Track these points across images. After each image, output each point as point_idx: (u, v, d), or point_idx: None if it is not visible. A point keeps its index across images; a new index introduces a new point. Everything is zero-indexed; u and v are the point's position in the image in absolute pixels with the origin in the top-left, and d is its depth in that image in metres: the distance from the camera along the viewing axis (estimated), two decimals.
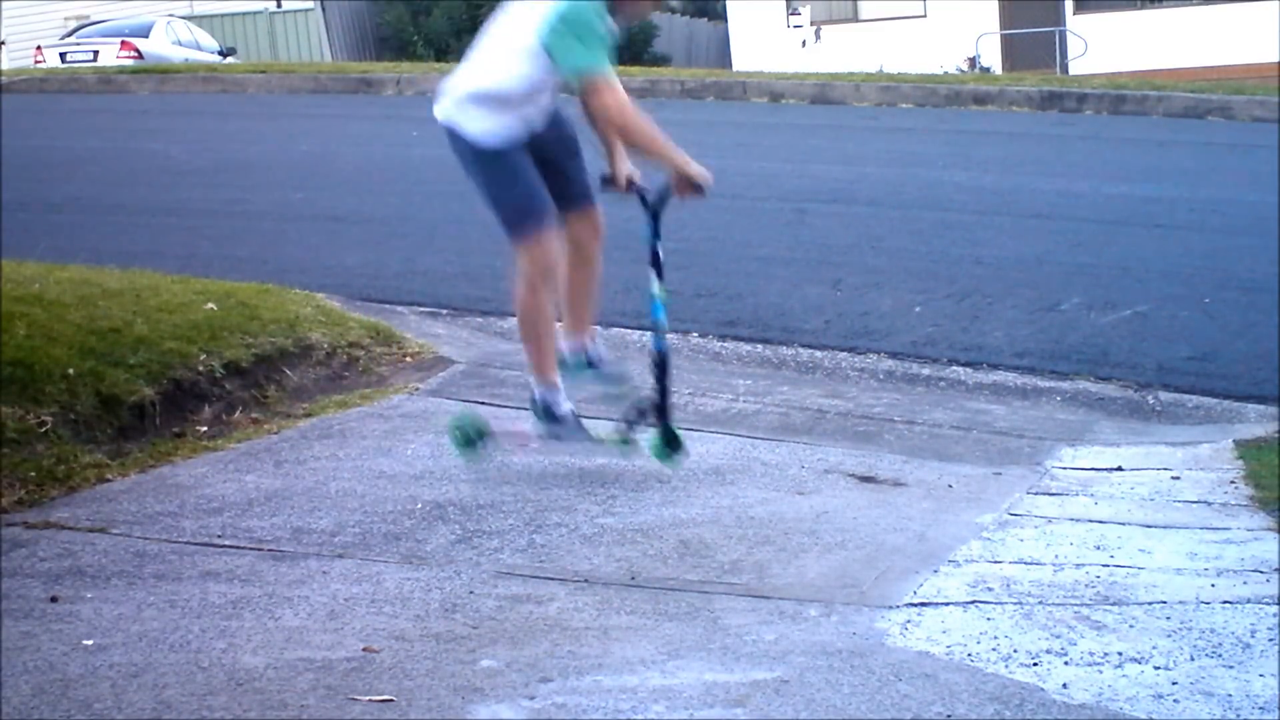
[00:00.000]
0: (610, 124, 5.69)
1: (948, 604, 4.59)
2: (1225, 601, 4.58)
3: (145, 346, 6.62)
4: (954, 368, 8.15)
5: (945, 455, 6.58)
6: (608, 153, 5.95)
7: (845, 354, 8.32)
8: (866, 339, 8.54)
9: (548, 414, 5.88)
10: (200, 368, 6.71)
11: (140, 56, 26.00)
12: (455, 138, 5.76)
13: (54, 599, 4.44)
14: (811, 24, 31.04)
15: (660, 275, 6.10)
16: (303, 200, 12.22)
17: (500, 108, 5.71)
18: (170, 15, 30.29)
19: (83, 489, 5.53)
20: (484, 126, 5.69)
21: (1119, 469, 6.41)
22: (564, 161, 5.86)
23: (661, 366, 5.98)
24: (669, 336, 8.37)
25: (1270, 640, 4.22)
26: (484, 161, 5.71)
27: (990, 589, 4.72)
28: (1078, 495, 5.97)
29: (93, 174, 13.48)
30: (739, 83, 20.03)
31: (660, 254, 6.12)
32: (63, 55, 26.96)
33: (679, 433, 5.95)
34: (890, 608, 4.56)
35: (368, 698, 3.80)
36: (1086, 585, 4.76)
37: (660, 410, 5.92)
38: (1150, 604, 4.58)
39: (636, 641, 4.23)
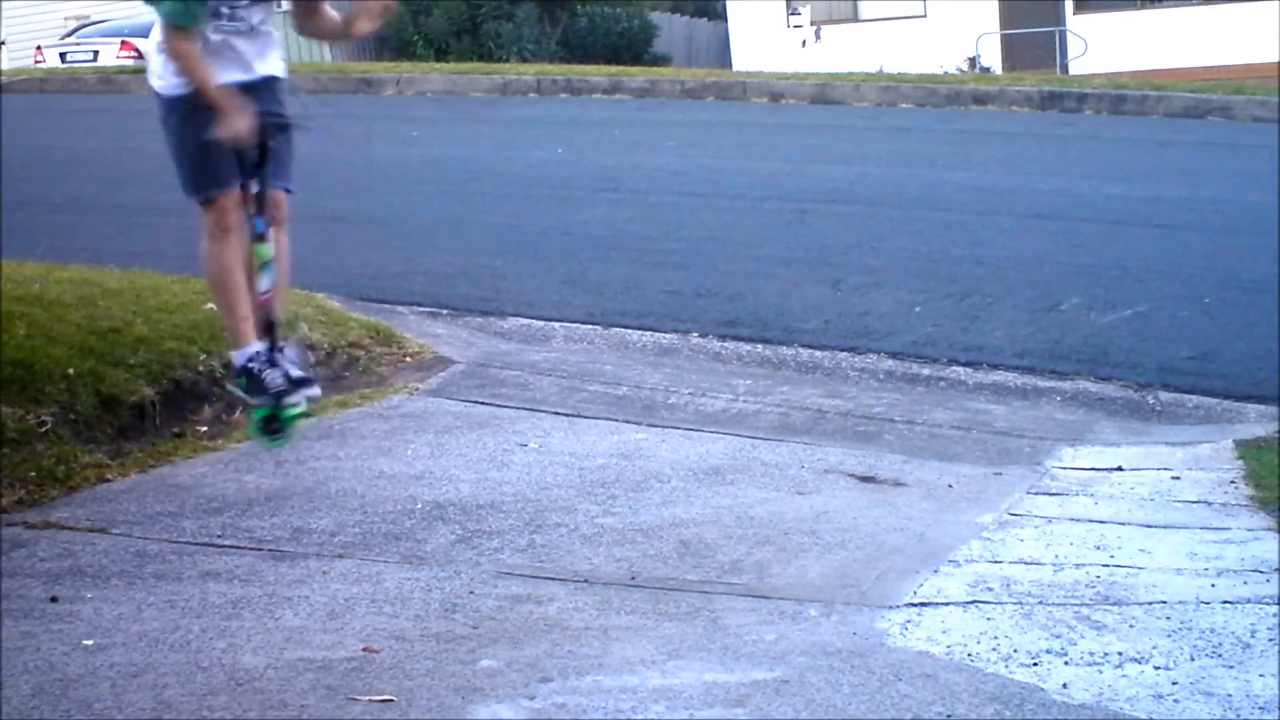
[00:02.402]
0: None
1: (948, 604, 4.59)
2: (1225, 601, 4.58)
3: (145, 346, 6.62)
4: (954, 368, 8.15)
5: (945, 455, 6.58)
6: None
7: (845, 354, 8.32)
8: (866, 339, 8.54)
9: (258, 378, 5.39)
10: (200, 368, 6.71)
11: (140, 56, 25.92)
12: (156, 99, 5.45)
13: (54, 599, 4.44)
14: (811, 24, 31.01)
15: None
16: (303, 200, 12.19)
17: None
18: None
19: (83, 489, 5.53)
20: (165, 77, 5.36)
21: (1119, 469, 6.41)
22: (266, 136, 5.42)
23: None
24: (671, 336, 8.43)
25: (1270, 640, 4.22)
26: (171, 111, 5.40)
27: (990, 589, 4.72)
28: (1078, 495, 5.97)
29: (93, 174, 13.47)
30: (739, 83, 20.03)
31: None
32: (63, 55, 26.94)
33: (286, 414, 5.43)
34: (890, 608, 4.56)
35: (368, 698, 3.80)
36: (1086, 585, 4.76)
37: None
38: (1150, 604, 4.59)
39: (636, 641, 4.23)
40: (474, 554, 4.97)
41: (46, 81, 21.50)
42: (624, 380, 7.57)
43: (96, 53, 26.61)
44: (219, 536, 5.07)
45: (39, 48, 27.96)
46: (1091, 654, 4.17)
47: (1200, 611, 4.49)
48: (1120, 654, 4.16)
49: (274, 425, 5.43)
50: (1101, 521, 5.52)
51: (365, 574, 4.74)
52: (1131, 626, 4.39)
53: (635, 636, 4.27)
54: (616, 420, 6.86)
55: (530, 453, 6.24)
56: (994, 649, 4.21)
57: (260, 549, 4.96)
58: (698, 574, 4.85)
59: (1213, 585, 4.74)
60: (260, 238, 5.41)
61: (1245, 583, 4.76)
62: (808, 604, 4.57)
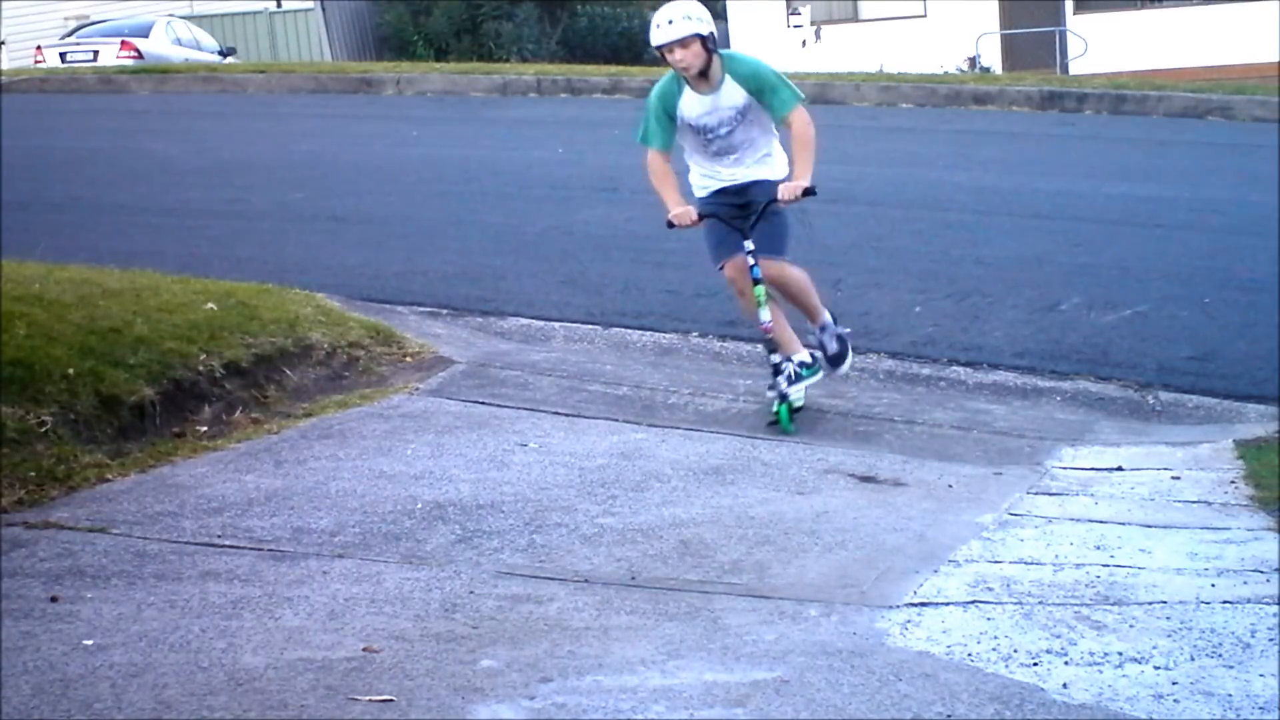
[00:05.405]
0: None
1: (948, 604, 4.59)
2: (1225, 601, 4.58)
3: (145, 346, 6.62)
4: (954, 368, 8.15)
5: (945, 455, 6.58)
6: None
7: None
8: (866, 339, 8.54)
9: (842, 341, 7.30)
10: (200, 368, 6.71)
11: (140, 56, 25.95)
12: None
13: (54, 599, 4.44)
14: (811, 24, 30.97)
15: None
16: (303, 200, 12.22)
17: None
18: (170, 15, 30.24)
19: (83, 489, 5.53)
20: None
21: (1119, 469, 6.41)
22: None
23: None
24: (671, 336, 8.50)
25: (1270, 640, 4.22)
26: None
27: (990, 589, 4.72)
28: (1078, 495, 5.97)
29: (93, 174, 13.48)
30: None
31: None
32: (63, 55, 26.92)
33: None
34: (890, 608, 4.56)
35: (368, 698, 3.80)
36: (1086, 585, 4.76)
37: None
38: (1150, 604, 4.59)
39: (636, 641, 4.23)
40: (474, 554, 4.97)
41: (46, 81, 21.48)
42: (624, 380, 7.57)
43: (96, 53, 26.59)
44: (219, 536, 5.07)
45: (39, 48, 27.94)
46: (1091, 654, 4.17)
47: (1200, 611, 4.49)
48: (1120, 654, 4.16)
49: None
50: (1101, 521, 5.52)
51: (365, 574, 4.74)
52: (1131, 626, 4.39)
53: (635, 636, 4.27)
54: (616, 420, 6.86)
55: (530, 453, 6.24)
56: (994, 649, 4.21)
57: (260, 549, 4.96)
58: (698, 574, 4.85)
59: (1213, 585, 4.74)
60: (757, 282, 6.88)
61: (1245, 583, 4.76)
62: (808, 604, 4.57)
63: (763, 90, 6.82)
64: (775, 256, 6.98)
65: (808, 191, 6.81)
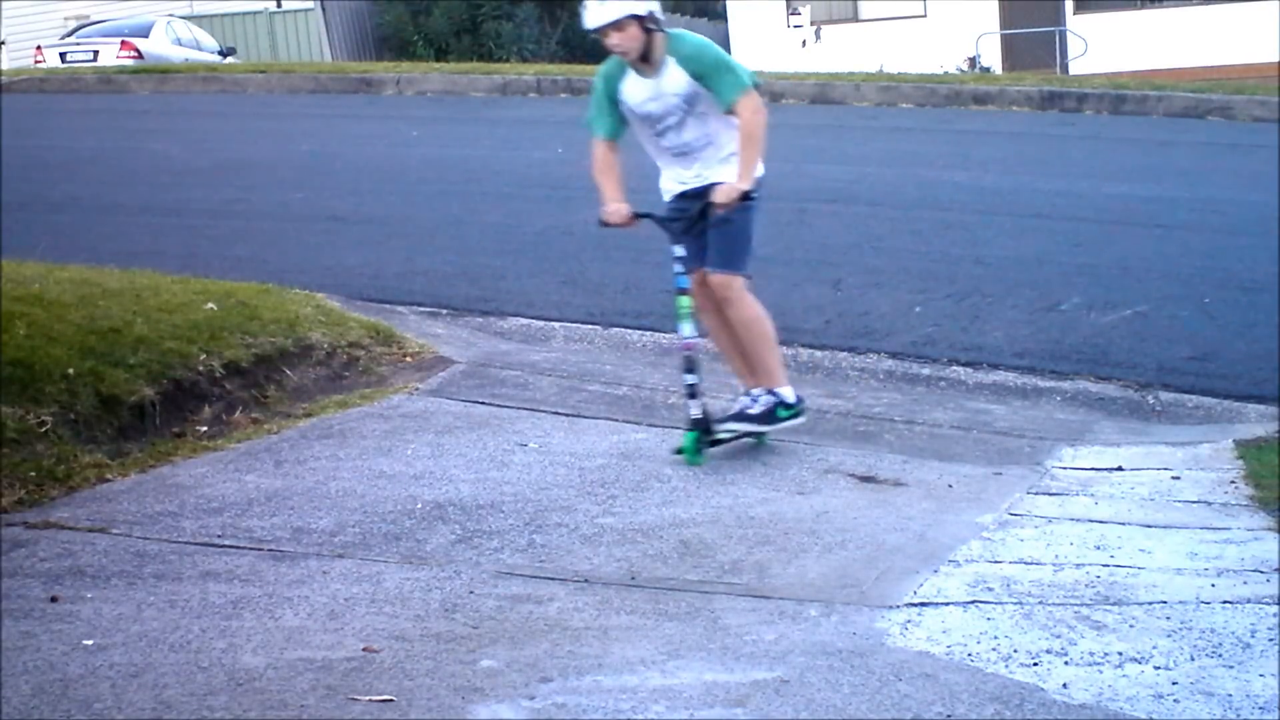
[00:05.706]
0: None
1: (948, 604, 4.60)
2: (1225, 601, 4.58)
3: (145, 346, 6.63)
4: (954, 368, 8.15)
5: (945, 455, 6.58)
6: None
7: (845, 354, 8.32)
8: (866, 339, 8.55)
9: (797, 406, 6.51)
10: (200, 368, 6.71)
11: (140, 56, 25.95)
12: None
13: (54, 599, 4.45)
14: (811, 24, 30.99)
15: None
16: (303, 200, 12.22)
17: None
18: (170, 15, 30.24)
19: (83, 489, 5.53)
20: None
21: (1119, 469, 6.41)
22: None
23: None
24: (671, 336, 8.51)
25: (1270, 640, 4.22)
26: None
27: (990, 589, 4.72)
28: (1078, 495, 5.97)
29: (93, 174, 13.48)
30: None
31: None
32: (63, 55, 26.92)
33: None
34: (890, 608, 4.56)
35: (368, 698, 3.80)
36: (1086, 585, 4.76)
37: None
38: (1150, 604, 4.59)
39: (636, 641, 4.23)
40: (474, 554, 4.97)
41: (46, 81, 21.48)
42: (624, 380, 7.57)
43: (96, 53, 26.59)
44: (219, 536, 5.07)
45: (39, 48, 27.94)
46: (1091, 654, 4.17)
47: (1200, 611, 4.49)
48: (1120, 654, 4.16)
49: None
50: (1101, 521, 5.52)
51: (365, 574, 4.74)
52: (1131, 626, 4.39)
53: (635, 636, 4.27)
54: (616, 420, 6.86)
55: (530, 453, 6.24)
56: (994, 649, 4.21)
57: (260, 549, 4.96)
58: (698, 574, 4.85)
59: (1213, 585, 4.74)
60: (682, 291, 6.39)
61: (1245, 583, 4.76)
62: (808, 604, 4.57)
63: (705, 73, 6.12)
64: (726, 271, 6.32)
65: (745, 196, 6.14)
